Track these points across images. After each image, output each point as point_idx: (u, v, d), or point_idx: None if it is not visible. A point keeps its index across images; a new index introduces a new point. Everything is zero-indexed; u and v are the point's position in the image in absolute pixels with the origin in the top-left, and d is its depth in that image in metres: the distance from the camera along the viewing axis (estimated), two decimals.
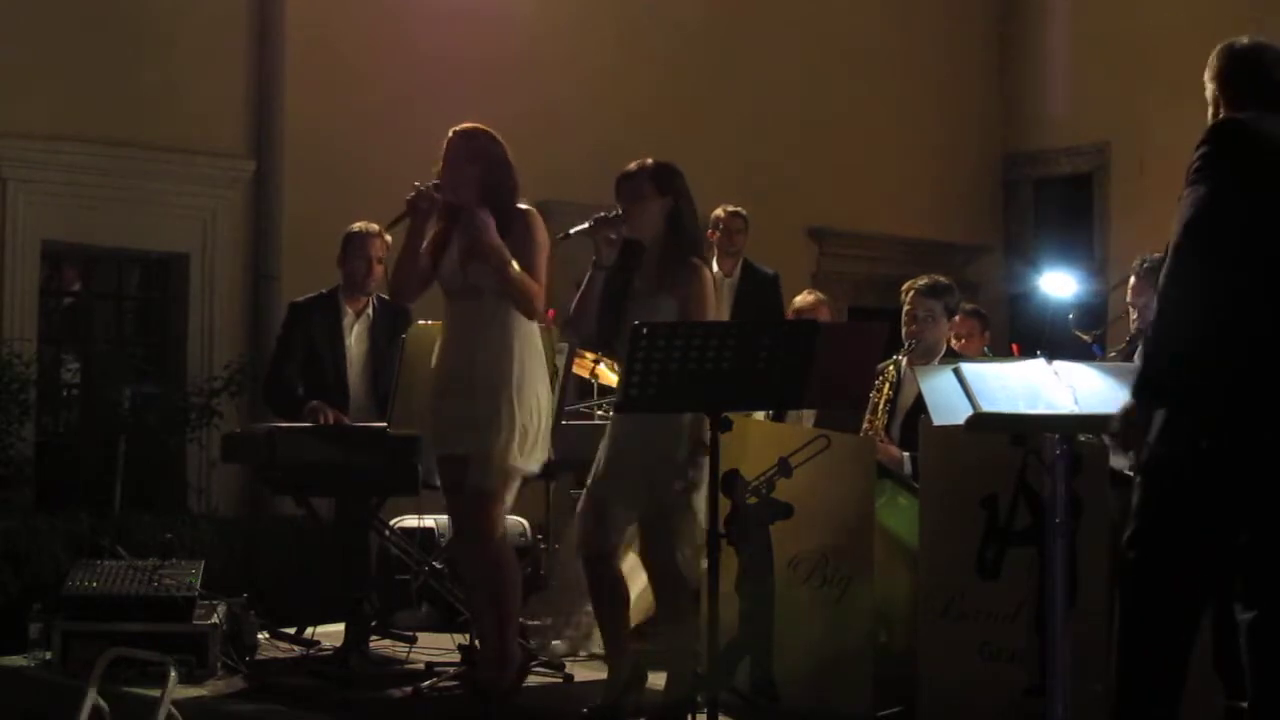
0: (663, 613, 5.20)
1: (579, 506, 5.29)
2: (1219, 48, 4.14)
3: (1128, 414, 3.93)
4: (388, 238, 6.38)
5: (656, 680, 5.31)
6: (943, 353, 6.27)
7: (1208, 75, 4.14)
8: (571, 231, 5.22)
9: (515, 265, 5.18)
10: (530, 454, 5.26)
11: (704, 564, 5.18)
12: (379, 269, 6.44)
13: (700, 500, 5.16)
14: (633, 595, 5.44)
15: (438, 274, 5.42)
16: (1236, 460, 3.83)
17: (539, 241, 5.29)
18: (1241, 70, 4.08)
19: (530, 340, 5.32)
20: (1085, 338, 6.11)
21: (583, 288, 5.23)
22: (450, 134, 5.39)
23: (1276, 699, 3.86)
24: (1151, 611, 3.93)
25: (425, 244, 5.41)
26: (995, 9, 12.76)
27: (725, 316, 8.04)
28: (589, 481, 5.25)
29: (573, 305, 5.27)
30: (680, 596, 5.13)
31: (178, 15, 8.93)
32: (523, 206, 5.34)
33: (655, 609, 5.26)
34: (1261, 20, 10.25)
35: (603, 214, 5.18)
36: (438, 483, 5.53)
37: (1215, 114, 4.11)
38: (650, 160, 5.27)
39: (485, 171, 5.32)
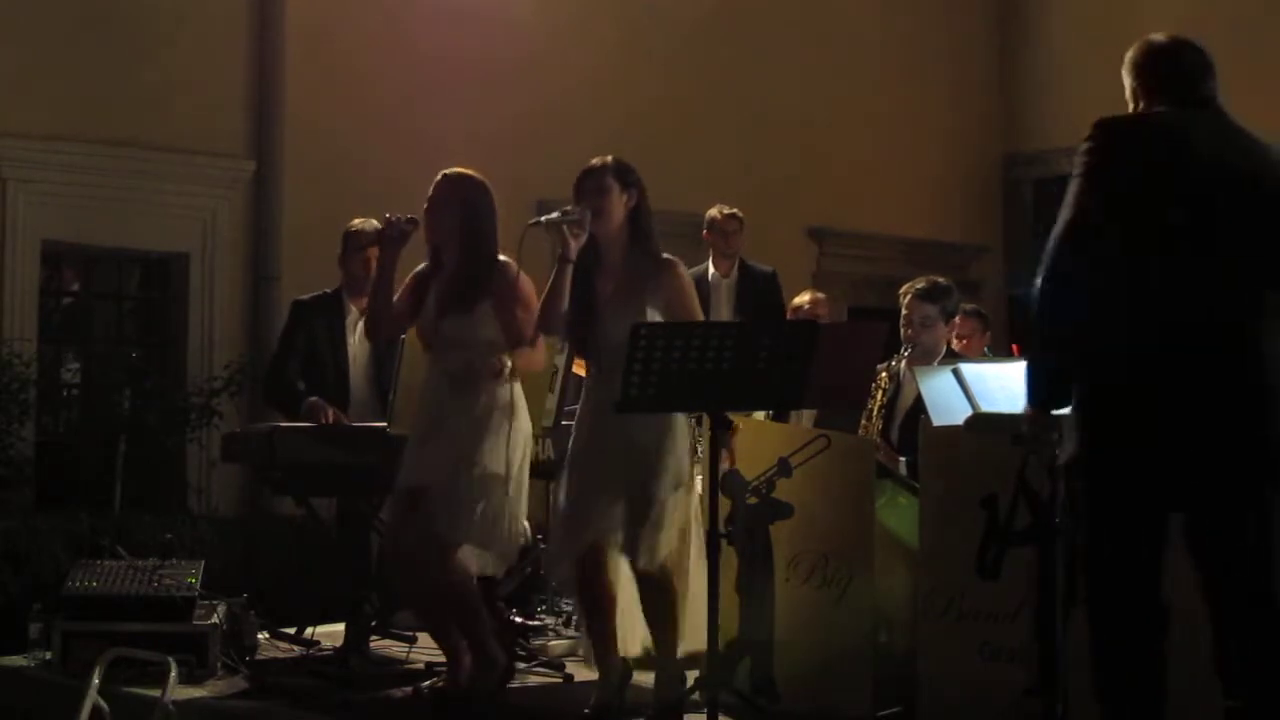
0: (650, 615, 5.21)
1: (561, 511, 5.30)
2: (1139, 42, 4.16)
3: (1032, 420, 3.99)
4: None
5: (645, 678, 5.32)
6: (942, 354, 6.26)
7: (1125, 69, 4.16)
8: (542, 220, 5.19)
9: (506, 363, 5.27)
10: (489, 527, 5.27)
11: (684, 564, 5.21)
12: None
13: (692, 500, 5.17)
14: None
15: (417, 321, 5.46)
16: (1136, 456, 3.86)
17: (524, 296, 5.30)
18: (1158, 65, 4.09)
19: (513, 400, 5.35)
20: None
21: (550, 283, 5.19)
22: (439, 176, 5.43)
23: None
24: (1118, 611, 3.94)
25: (402, 289, 5.45)
26: (995, 9, 12.76)
27: (724, 316, 8.05)
28: (564, 487, 5.27)
29: (541, 301, 5.25)
30: (666, 597, 5.15)
31: (178, 15, 8.93)
32: (501, 259, 5.35)
33: (644, 610, 5.26)
34: (1262, 20, 10.25)
35: (567, 208, 5.15)
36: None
37: (1134, 107, 4.13)
38: (609, 158, 5.27)
39: (467, 218, 5.36)
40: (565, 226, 5.10)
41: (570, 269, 5.12)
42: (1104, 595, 3.93)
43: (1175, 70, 4.08)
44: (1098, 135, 3.95)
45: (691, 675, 5.10)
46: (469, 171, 5.47)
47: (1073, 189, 3.92)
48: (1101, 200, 3.88)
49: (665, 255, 5.21)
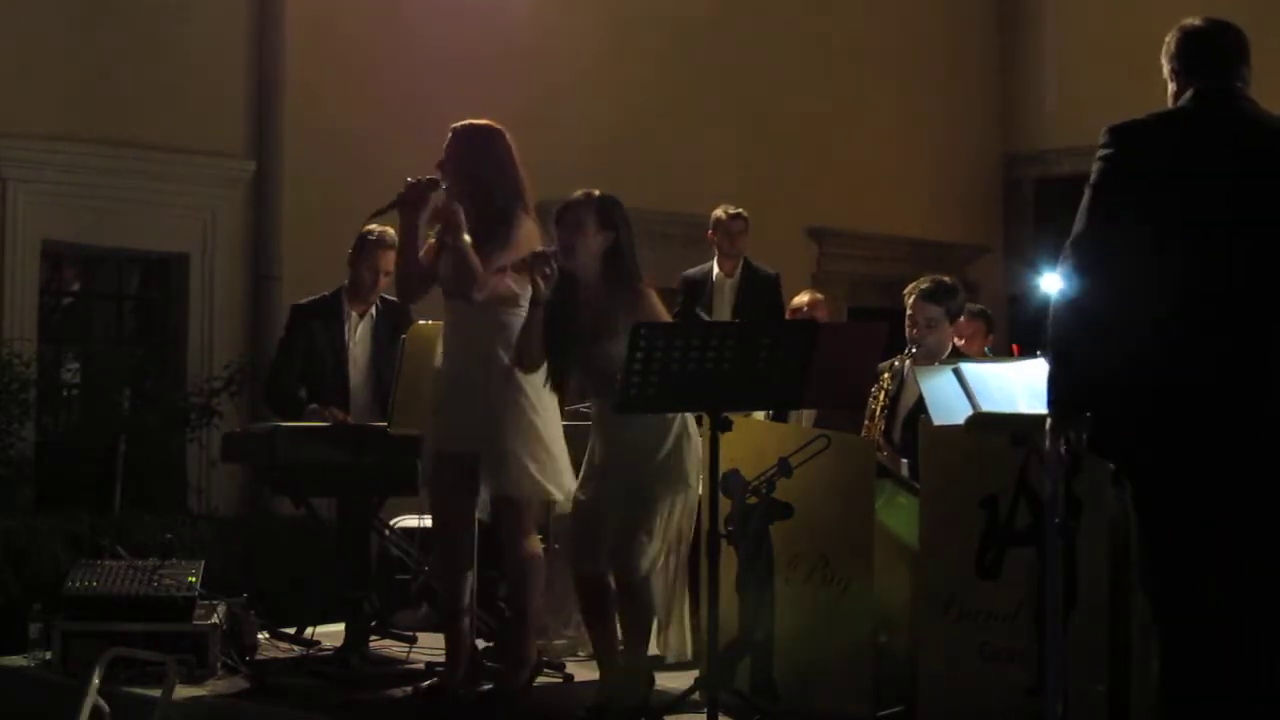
0: (623, 619, 5.22)
1: (571, 519, 5.31)
2: (1176, 27, 4.16)
3: (1051, 429, 4.01)
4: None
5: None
6: (947, 354, 6.24)
7: (1164, 54, 4.15)
8: (513, 264, 5.18)
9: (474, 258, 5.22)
10: (549, 471, 5.31)
11: (659, 565, 5.20)
12: (384, 281, 6.43)
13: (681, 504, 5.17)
14: None
15: (439, 274, 5.42)
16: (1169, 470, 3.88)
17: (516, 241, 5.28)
18: (1191, 49, 4.09)
19: None
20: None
21: (522, 325, 5.20)
22: (452, 129, 5.40)
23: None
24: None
25: (426, 246, 5.42)
26: (995, 9, 12.76)
27: (726, 317, 8.06)
28: (575, 494, 5.28)
29: (515, 343, 5.23)
30: (643, 606, 5.17)
31: (178, 15, 8.93)
32: (523, 218, 5.32)
33: (621, 616, 5.27)
34: (1261, 20, 10.24)
35: (539, 250, 5.11)
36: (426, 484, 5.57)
37: (1173, 92, 4.13)
38: (595, 191, 5.22)
39: (473, 171, 5.33)
40: (538, 269, 5.04)
41: (540, 310, 5.08)
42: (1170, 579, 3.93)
43: (1207, 54, 4.05)
44: (1111, 141, 3.95)
45: (689, 676, 5.12)
46: (477, 121, 5.42)
47: (1087, 197, 3.93)
48: (1119, 203, 3.89)
49: (640, 285, 5.15)
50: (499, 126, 5.43)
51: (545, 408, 5.35)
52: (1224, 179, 3.90)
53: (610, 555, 5.12)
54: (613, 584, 5.20)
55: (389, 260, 6.35)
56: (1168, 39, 4.12)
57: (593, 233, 5.13)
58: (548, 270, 5.03)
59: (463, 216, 5.25)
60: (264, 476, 6.91)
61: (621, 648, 5.24)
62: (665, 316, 5.21)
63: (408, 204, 5.38)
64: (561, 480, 5.37)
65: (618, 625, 5.28)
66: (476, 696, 5.37)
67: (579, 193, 5.21)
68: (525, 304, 5.20)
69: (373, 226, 6.41)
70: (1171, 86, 4.11)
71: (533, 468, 5.29)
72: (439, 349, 5.44)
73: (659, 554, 5.11)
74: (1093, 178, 3.95)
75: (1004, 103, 12.67)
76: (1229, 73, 4.03)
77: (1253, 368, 3.86)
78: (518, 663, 5.39)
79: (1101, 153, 3.95)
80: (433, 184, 5.37)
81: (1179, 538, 3.91)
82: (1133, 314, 3.88)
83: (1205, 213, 3.88)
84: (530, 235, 5.30)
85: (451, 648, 5.49)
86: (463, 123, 5.43)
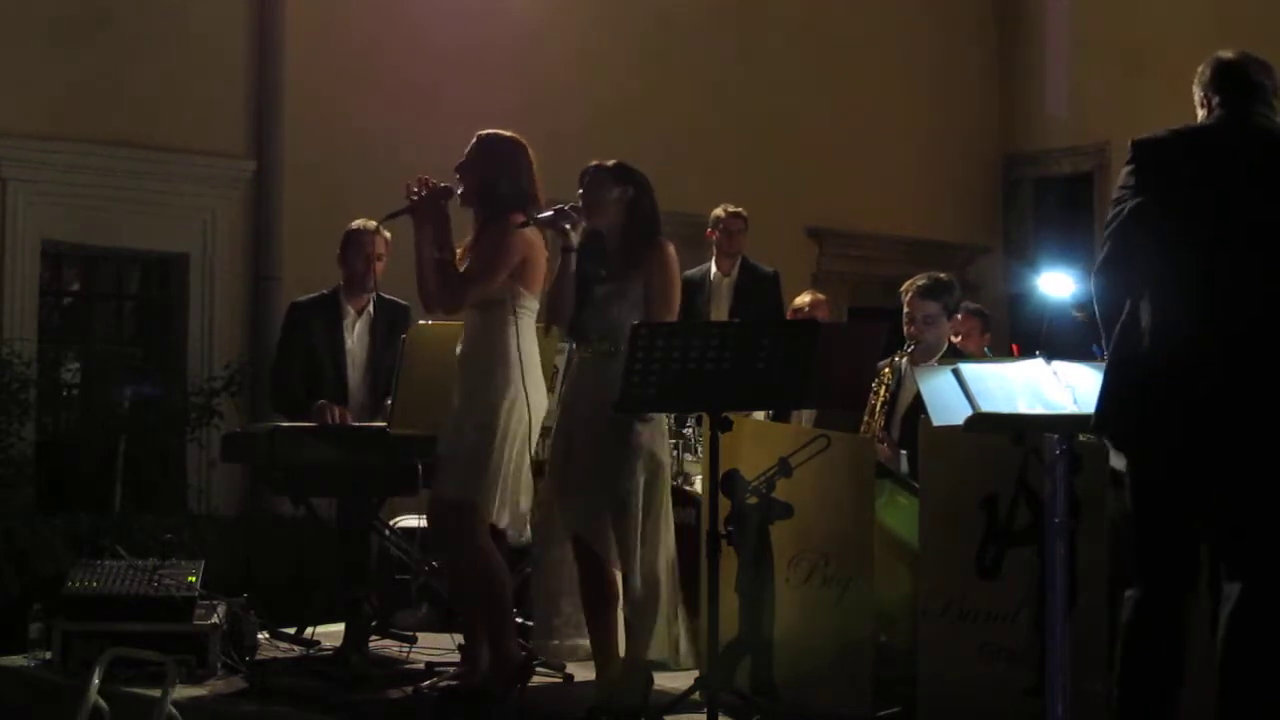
0: (626, 615, 5.23)
1: (540, 497, 5.37)
2: (1209, 59, 4.27)
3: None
4: (386, 234, 6.40)
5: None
6: (944, 350, 6.25)
7: (1196, 83, 4.26)
8: (536, 218, 5.25)
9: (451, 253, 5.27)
10: (496, 495, 5.28)
11: (669, 562, 5.22)
12: (379, 266, 6.45)
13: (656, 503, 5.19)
14: None
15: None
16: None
17: (487, 247, 5.28)
18: (1224, 77, 4.20)
19: (528, 360, 5.34)
20: (1078, 315, 6.17)
21: (556, 273, 5.26)
22: (477, 135, 5.45)
23: (1251, 674, 3.92)
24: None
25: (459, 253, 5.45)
26: (995, 9, 12.76)
27: (725, 316, 8.06)
28: (546, 475, 5.34)
29: (549, 293, 5.30)
30: (650, 601, 5.19)
31: (178, 15, 8.93)
32: (518, 219, 5.30)
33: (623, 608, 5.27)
34: (1261, 20, 10.25)
35: (563, 205, 5.23)
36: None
37: (1202, 119, 4.23)
38: (612, 161, 5.35)
39: (482, 179, 5.35)
40: (560, 223, 5.17)
41: (573, 257, 5.19)
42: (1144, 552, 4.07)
43: (1235, 81, 4.18)
44: (1134, 154, 4.10)
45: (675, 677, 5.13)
46: (503, 132, 5.46)
47: (1113, 202, 4.10)
48: (1140, 213, 4.02)
49: (656, 238, 5.26)
50: (522, 139, 5.46)
51: (516, 420, 5.32)
52: (1240, 193, 3.98)
53: (619, 556, 5.15)
54: (611, 574, 5.21)
55: (378, 245, 6.40)
56: (1200, 69, 4.27)
57: (612, 188, 5.27)
58: (567, 225, 5.17)
59: (447, 222, 5.31)
60: (264, 476, 6.91)
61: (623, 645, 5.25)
62: (673, 273, 5.26)
63: (420, 212, 5.39)
64: (509, 510, 5.34)
65: (619, 619, 5.28)
66: (467, 696, 5.37)
67: (595, 161, 5.35)
68: (530, 303, 5.30)
69: (356, 221, 6.46)
70: (1201, 113, 4.23)
71: (483, 480, 5.24)
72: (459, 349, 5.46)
73: (644, 532, 5.14)
74: (1119, 180, 4.13)
75: (1004, 103, 12.66)
76: (1255, 98, 4.15)
77: (1258, 380, 3.91)
78: (500, 661, 5.38)
79: (1126, 164, 4.11)
80: (446, 192, 5.38)
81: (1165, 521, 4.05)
82: (1147, 318, 3.96)
83: (1221, 225, 3.96)
84: (523, 241, 5.29)
85: (469, 644, 5.51)
86: (489, 130, 5.45)
